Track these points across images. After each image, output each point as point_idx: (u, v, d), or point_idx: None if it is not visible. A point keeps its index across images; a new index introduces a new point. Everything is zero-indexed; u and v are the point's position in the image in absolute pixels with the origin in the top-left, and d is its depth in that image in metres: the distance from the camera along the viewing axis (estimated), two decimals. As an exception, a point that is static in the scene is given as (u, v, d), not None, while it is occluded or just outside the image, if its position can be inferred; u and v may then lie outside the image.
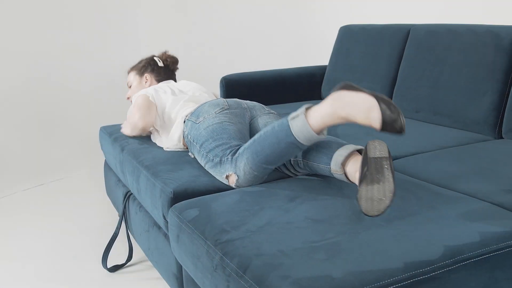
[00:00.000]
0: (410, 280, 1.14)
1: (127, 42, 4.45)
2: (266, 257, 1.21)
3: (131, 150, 2.18)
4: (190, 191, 1.71)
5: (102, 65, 4.39)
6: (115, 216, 2.82)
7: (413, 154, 2.06)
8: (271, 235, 1.33)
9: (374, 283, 1.10)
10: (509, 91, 2.25)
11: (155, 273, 2.21)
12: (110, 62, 4.40)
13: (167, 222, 1.73)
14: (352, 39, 3.16)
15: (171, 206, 1.68)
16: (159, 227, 1.92)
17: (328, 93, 3.25)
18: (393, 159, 2.03)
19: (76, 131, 4.24)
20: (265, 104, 3.23)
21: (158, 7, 4.53)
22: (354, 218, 1.41)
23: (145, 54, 4.10)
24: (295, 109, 2.89)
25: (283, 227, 1.37)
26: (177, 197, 1.70)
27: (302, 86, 3.34)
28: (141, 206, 2.14)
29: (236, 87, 3.15)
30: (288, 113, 2.79)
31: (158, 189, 1.77)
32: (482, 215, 1.42)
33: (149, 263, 2.30)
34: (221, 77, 3.20)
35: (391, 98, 2.81)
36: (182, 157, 2.02)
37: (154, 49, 4.53)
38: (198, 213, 1.52)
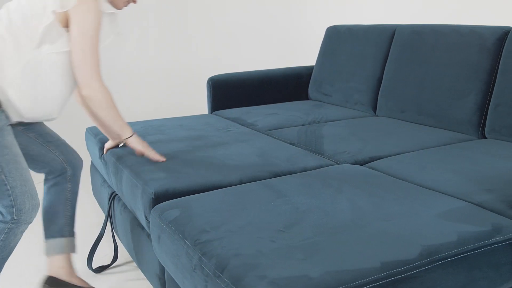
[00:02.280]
0: (386, 279, 1.14)
1: (112, 41, 4.44)
2: (244, 257, 1.21)
3: (114, 150, 2.18)
4: (171, 192, 1.71)
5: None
6: (101, 217, 2.81)
7: (396, 154, 2.07)
8: (251, 235, 1.33)
9: (351, 282, 1.11)
10: (492, 91, 2.26)
11: (140, 274, 2.21)
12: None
13: (149, 222, 1.73)
14: (339, 39, 3.16)
15: (153, 206, 1.68)
16: (142, 228, 1.91)
17: (314, 93, 3.26)
18: (376, 159, 2.03)
19: (63, 132, 4.22)
20: (253, 105, 3.24)
21: (146, 8, 4.52)
22: (334, 218, 1.42)
23: (137, 54, 4.12)
24: (284, 109, 2.90)
25: (263, 228, 1.37)
26: (158, 197, 1.69)
27: (289, 87, 3.34)
28: (125, 207, 2.13)
29: (223, 87, 3.15)
30: (275, 113, 2.81)
31: (139, 190, 1.77)
32: (461, 214, 1.43)
33: (134, 263, 2.30)
34: (208, 77, 3.20)
35: (377, 98, 2.83)
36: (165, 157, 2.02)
37: (144, 49, 4.54)
38: (179, 214, 1.52)
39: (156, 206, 1.63)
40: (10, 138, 1.73)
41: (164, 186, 1.73)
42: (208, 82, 3.11)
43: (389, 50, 2.81)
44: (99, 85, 1.74)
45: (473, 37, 2.36)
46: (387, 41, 2.82)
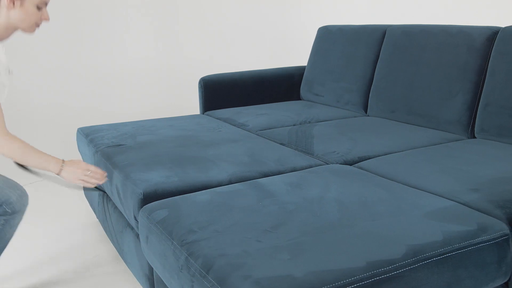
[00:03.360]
0: (371, 279, 1.15)
1: (104, 42, 4.44)
2: (230, 257, 1.22)
3: (104, 151, 2.18)
4: (160, 192, 1.71)
5: (79, 66, 4.37)
6: (93, 218, 2.81)
7: (386, 154, 2.08)
8: (238, 235, 1.34)
9: (334, 282, 1.11)
10: (481, 91, 2.27)
11: (129, 274, 2.21)
12: (88, 63, 4.38)
13: (138, 222, 1.73)
14: (330, 39, 3.17)
15: (142, 206, 1.68)
16: (132, 228, 1.92)
17: (306, 93, 3.26)
18: (365, 159, 2.04)
19: (54, 132, 4.22)
20: (245, 105, 3.24)
21: (137, 8, 4.52)
22: (321, 218, 1.42)
23: (128, 54, 4.11)
24: (275, 109, 2.90)
25: (250, 228, 1.38)
26: (147, 198, 1.70)
27: (281, 87, 3.35)
28: (115, 207, 2.14)
29: (215, 88, 3.15)
30: (266, 114, 2.81)
31: (129, 190, 1.77)
32: (447, 214, 1.44)
33: (124, 263, 2.30)
34: (199, 78, 3.20)
35: (368, 98, 2.83)
36: (154, 157, 2.02)
37: (135, 49, 4.53)
38: (167, 214, 1.52)
39: (144, 207, 1.63)
40: None
41: (153, 186, 1.73)
42: (199, 82, 3.11)
43: (380, 50, 2.81)
44: (3, 141, 1.73)
45: (462, 37, 2.37)
46: (377, 42, 2.83)
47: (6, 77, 1.82)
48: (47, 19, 1.87)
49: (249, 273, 1.14)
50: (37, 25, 1.87)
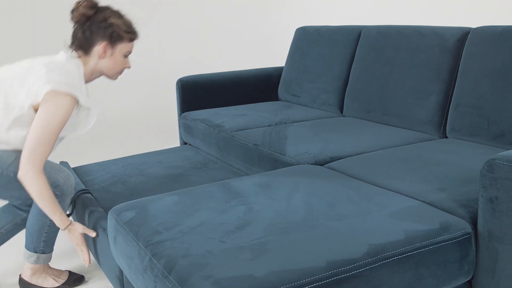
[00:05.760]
0: (330, 278, 1.16)
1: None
2: (193, 258, 1.23)
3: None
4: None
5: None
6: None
7: (357, 154, 2.09)
8: (202, 235, 1.34)
9: (294, 282, 1.13)
10: (453, 91, 2.29)
11: (102, 275, 2.21)
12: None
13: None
14: (307, 40, 3.18)
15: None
16: (104, 230, 1.91)
17: (283, 94, 3.28)
18: (336, 159, 2.05)
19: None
20: (223, 106, 3.24)
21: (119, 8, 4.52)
22: (286, 218, 1.43)
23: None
24: (253, 110, 2.91)
25: (215, 228, 1.39)
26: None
27: (259, 87, 3.36)
28: (90, 210, 2.13)
29: (192, 89, 3.15)
30: (244, 114, 2.81)
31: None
32: (411, 213, 1.45)
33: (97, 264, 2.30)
34: (177, 79, 3.20)
35: (343, 99, 2.85)
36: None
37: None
38: (134, 215, 1.52)
39: (113, 208, 1.64)
40: None
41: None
42: (177, 83, 3.11)
43: (355, 50, 2.83)
44: (33, 175, 1.74)
45: (434, 38, 2.39)
46: (353, 42, 2.85)
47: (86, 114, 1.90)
48: (129, 67, 2.00)
49: (211, 273, 1.15)
50: (121, 72, 1.99)
